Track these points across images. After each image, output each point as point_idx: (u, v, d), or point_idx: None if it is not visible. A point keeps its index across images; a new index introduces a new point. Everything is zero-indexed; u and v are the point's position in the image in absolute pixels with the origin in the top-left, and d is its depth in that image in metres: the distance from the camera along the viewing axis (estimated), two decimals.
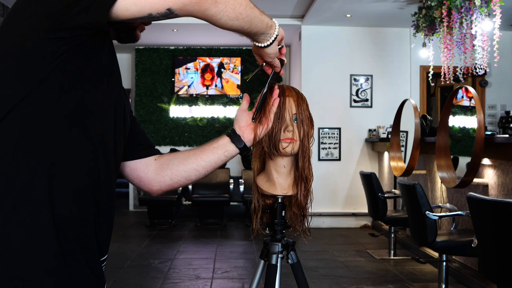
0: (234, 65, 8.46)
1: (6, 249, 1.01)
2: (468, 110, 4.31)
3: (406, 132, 5.32)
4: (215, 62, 8.50)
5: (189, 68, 8.46)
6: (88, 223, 1.10)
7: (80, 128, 1.08)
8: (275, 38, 1.27)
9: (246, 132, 1.39)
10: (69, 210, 1.06)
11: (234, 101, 8.45)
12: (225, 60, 8.47)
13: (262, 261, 1.51)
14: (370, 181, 5.09)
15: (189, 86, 8.46)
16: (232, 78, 8.49)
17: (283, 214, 1.48)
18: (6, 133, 1.03)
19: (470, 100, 4.37)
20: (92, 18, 1.00)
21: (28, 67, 1.03)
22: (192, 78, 8.46)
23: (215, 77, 8.50)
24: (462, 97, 4.51)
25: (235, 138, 1.38)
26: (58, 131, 1.06)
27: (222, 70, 8.48)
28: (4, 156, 1.03)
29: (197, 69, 8.47)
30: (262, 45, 1.27)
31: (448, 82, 5.17)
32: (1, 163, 1.02)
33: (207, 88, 8.49)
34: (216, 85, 8.49)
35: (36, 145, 1.04)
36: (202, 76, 8.48)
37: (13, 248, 1.01)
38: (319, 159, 7.01)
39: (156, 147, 1.42)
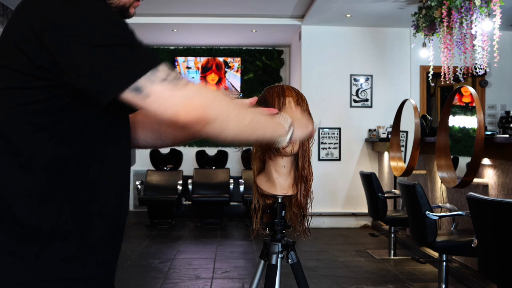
0: (238, 64, 8.42)
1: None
2: (468, 110, 4.31)
3: (406, 132, 5.32)
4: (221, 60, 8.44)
5: (190, 67, 8.42)
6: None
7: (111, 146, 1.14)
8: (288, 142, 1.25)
9: None
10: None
11: None
12: (228, 59, 8.43)
13: (262, 261, 1.51)
14: (370, 181, 5.09)
15: None
16: (236, 78, 8.45)
17: (283, 214, 1.48)
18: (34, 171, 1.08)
19: (466, 105, 4.38)
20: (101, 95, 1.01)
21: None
22: (193, 78, 8.43)
23: (223, 79, 8.41)
24: (461, 95, 4.51)
25: None
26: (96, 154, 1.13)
27: (226, 69, 8.43)
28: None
29: (198, 68, 8.42)
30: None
31: (448, 82, 5.17)
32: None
33: None
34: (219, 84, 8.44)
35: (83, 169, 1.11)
36: (204, 78, 8.43)
37: None
38: (319, 159, 7.01)
39: None
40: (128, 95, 1.00)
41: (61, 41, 1.00)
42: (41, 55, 1.02)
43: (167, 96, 1.00)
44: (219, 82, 8.43)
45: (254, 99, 1.42)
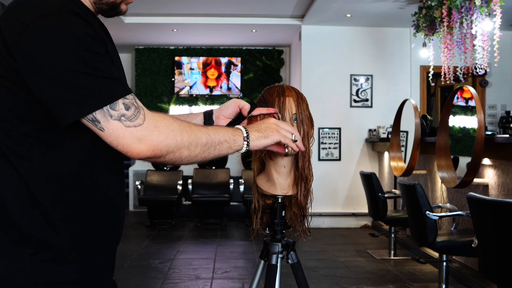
0: (241, 65, 8.42)
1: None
2: (468, 110, 4.31)
3: (406, 132, 5.32)
4: (223, 60, 8.45)
5: (193, 69, 8.44)
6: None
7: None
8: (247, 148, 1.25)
9: (221, 123, 1.44)
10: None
11: None
12: (233, 58, 8.43)
13: (262, 261, 1.51)
14: (370, 181, 5.09)
15: (191, 87, 8.45)
16: (238, 79, 8.44)
17: (283, 214, 1.47)
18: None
19: (467, 102, 4.37)
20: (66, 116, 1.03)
21: None
22: (196, 78, 8.45)
23: (222, 75, 8.43)
24: (458, 97, 4.51)
25: (208, 123, 1.44)
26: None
27: (231, 69, 8.44)
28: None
29: (200, 69, 8.45)
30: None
31: (448, 82, 5.17)
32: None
33: (210, 90, 8.45)
34: (221, 86, 8.44)
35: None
36: (204, 74, 8.43)
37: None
38: (319, 159, 7.01)
39: None
40: (85, 123, 1.04)
41: (27, 61, 1.01)
42: (13, 62, 1.03)
43: (121, 133, 1.04)
44: (218, 77, 8.44)
45: (257, 109, 1.43)
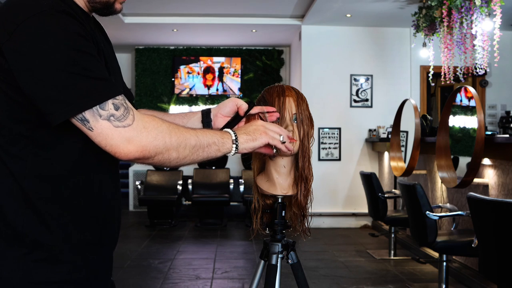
0: (235, 69, 8.46)
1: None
2: (468, 110, 4.30)
3: (406, 132, 5.32)
4: (216, 63, 8.51)
5: (190, 73, 8.48)
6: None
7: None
8: (236, 152, 1.25)
9: (219, 121, 1.43)
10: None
11: None
12: (225, 64, 8.47)
13: (262, 261, 1.51)
14: (370, 181, 5.09)
15: (190, 89, 8.48)
16: (233, 82, 8.49)
17: (283, 214, 1.47)
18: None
19: (469, 101, 4.37)
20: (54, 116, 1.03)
21: None
22: (194, 81, 8.49)
23: (216, 79, 8.50)
24: (461, 100, 4.51)
25: (206, 121, 1.43)
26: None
27: (223, 74, 8.51)
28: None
29: (198, 74, 8.50)
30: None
31: (448, 82, 5.17)
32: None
33: (208, 89, 8.52)
34: (217, 89, 8.51)
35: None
36: (204, 77, 8.51)
37: None
38: (319, 159, 7.01)
39: None
40: (75, 122, 1.04)
41: (17, 60, 1.01)
42: (4, 62, 1.03)
43: (109, 133, 1.04)
44: (213, 78, 8.54)
45: (255, 107, 1.42)
